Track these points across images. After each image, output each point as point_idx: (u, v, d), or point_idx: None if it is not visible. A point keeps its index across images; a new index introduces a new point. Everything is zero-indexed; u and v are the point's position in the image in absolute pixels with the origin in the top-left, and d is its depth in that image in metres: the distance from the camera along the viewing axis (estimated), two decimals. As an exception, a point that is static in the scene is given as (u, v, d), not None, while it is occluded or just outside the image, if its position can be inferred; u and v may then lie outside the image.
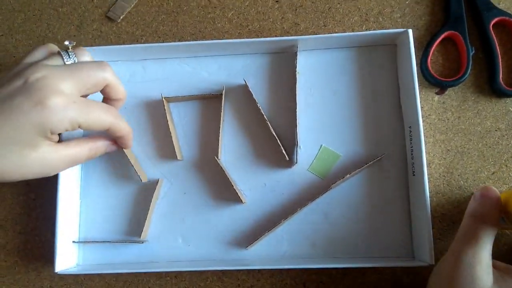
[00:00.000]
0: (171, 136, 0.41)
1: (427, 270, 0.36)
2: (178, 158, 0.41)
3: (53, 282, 0.41)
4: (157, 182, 0.40)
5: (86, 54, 0.35)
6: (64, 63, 0.33)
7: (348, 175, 0.39)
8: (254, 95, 0.41)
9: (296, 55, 0.41)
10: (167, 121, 0.41)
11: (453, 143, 0.41)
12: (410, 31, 0.39)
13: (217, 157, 0.40)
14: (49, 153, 0.31)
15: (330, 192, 0.40)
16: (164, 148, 0.42)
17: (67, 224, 0.39)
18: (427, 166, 0.37)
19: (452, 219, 0.40)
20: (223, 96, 0.41)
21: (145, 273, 0.40)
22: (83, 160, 0.35)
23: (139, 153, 0.42)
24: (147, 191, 0.41)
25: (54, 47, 0.35)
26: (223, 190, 0.41)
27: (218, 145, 0.41)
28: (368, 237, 0.39)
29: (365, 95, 0.42)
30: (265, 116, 0.40)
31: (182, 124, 0.42)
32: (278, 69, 0.43)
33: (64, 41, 0.35)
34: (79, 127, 0.31)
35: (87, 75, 0.32)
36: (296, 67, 0.41)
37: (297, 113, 0.40)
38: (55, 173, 0.33)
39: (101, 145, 0.36)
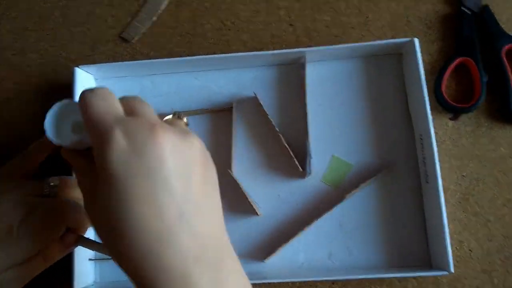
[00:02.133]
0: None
1: (446, 278, 0.36)
2: (191, 172, 0.41)
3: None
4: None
5: (68, 186, 0.35)
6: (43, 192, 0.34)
7: (362, 184, 0.39)
8: (264, 107, 0.41)
9: (305, 66, 0.42)
10: (179, 135, 0.41)
11: (468, 169, 0.41)
12: (416, 40, 0.40)
13: (230, 170, 0.40)
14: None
15: (345, 202, 0.40)
16: (176, 163, 0.42)
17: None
18: (438, 165, 0.37)
19: (469, 246, 0.39)
20: (234, 109, 0.42)
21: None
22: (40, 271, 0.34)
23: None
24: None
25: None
26: (237, 203, 0.41)
27: (231, 157, 0.41)
28: (384, 246, 0.39)
29: (373, 103, 0.42)
30: (276, 128, 0.41)
31: (193, 138, 0.42)
32: (287, 81, 0.43)
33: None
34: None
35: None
36: (304, 78, 0.42)
37: (307, 123, 0.40)
38: None
39: (53, 255, 0.34)
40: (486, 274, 0.39)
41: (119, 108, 0.26)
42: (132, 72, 0.43)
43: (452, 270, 0.35)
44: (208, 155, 0.28)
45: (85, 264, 0.39)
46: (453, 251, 0.39)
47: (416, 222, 0.40)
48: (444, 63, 0.43)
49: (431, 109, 0.38)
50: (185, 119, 0.32)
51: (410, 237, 0.39)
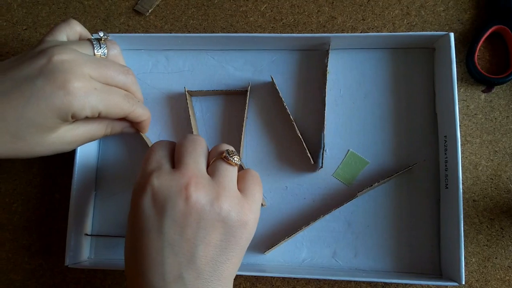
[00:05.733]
0: (192, 132, 0.39)
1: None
2: (198, 154, 0.39)
3: (79, 285, 0.40)
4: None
5: (117, 49, 0.34)
6: (94, 53, 0.32)
7: (376, 184, 0.37)
8: (280, 93, 0.39)
9: (328, 53, 0.39)
10: (189, 115, 0.39)
11: (501, 144, 0.39)
12: (452, 35, 0.37)
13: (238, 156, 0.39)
14: (68, 131, 0.31)
15: (355, 200, 0.38)
16: (184, 143, 0.40)
17: (80, 217, 0.38)
18: (460, 171, 0.35)
19: (501, 224, 0.38)
20: (248, 92, 0.39)
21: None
22: (99, 137, 0.34)
23: (158, 146, 0.40)
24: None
25: (79, 28, 0.34)
26: (242, 191, 0.39)
27: (240, 143, 0.39)
28: (393, 250, 0.37)
29: (398, 99, 0.39)
30: (291, 116, 0.38)
31: (204, 119, 0.41)
32: (307, 67, 0.41)
33: (98, 31, 0.34)
34: (99, 114, 0.30)
35: (110, 73, 0.31)
36: (327, 66, 0.39)
37: (325, 114, 0.38)
38: (72, 149, 0.33)
39: (118, 125, 0.35)
40: None
41: (168, 159, 0.29)
42: (147, 45, 0.42)
43: (463, 282, 0.33)
44: (244, 221, 0.28)
45: (80, 239, 0.38)
46: (483, 229, 0.38)
47: (430, 228, 0.37)
48: (477, 32, 0.40)
49: (462, 80, 0.36)
50: (236, 159, 0.30)
51: (421, 244, 0.37)
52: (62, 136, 0.30)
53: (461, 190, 0.34)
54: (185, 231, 0.26)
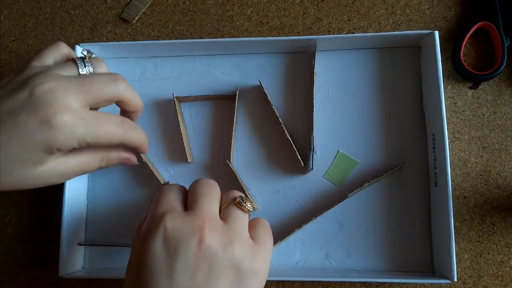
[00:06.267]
0: (181, 138, 0.39)
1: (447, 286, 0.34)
2: (189, 160, 0.39)
3: None
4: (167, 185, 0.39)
5: (103, 66, 0.33)
6: (79, 73, 0.31)
7: (366, 184, 0.37)
8: (269, 97, 0.39)
9: (315, 55, 0.39)
10: (178, 121, 0.39)
11: (489, 140, 0.39)
12: (436, 33, 0.37)
13: (229, 161, 0.39)
14: (57, 165, 0.29)
15: (347, 201, 0.38)
16: (175, 150, 0.40)
17: (73, 226, 0.38)
18: (449, 168, 0.36)
19: (492, 220, 0.38)
20: (237, 97, 0.40)
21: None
22: (93, 170, 0.33)
23: (148, 154, 0.41)
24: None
25: (67, 50, 0.33)
26: (234, 195, 0.39)
27: (230, 148, 0.39)
28: (386, 249, 0.37)
29: (385, 99, 0.40)
30: (280, 119, 0.39)
31: (193, 125, 0.41)
32: (294, 70, 0.41)
33: (81, 46, 0.33)
34: (87, 144, 0.29)
35: (98, 89, 0.30)
36: (314, 68, 0.39)
37: (313, 116, 0.38)
38: (63, 181, 0.32)
39: (114, 156, 0.34)
40: (511, 248, 0.37)
41: (180, 202, 0.29)
42: (135, 53, 0.42)
43: (455, 279, 0.33)
44: (256, 270, 0.27)
45: (74, 249, 0.38)
46: (474, 225, 0.38)
47: (421, 226, 0.38)
48: (462, 29, 0.40)
49: (449, 78, 0.36)
50: (249, 206, 0.29)
51: (413, 242, 0.37)
52: (50, 170, 0.29)
53: (450, 188, 0.35)
54: (197, 276, 0.25)
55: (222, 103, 0.41)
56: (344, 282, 0.38)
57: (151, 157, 0.41)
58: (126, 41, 0.43)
